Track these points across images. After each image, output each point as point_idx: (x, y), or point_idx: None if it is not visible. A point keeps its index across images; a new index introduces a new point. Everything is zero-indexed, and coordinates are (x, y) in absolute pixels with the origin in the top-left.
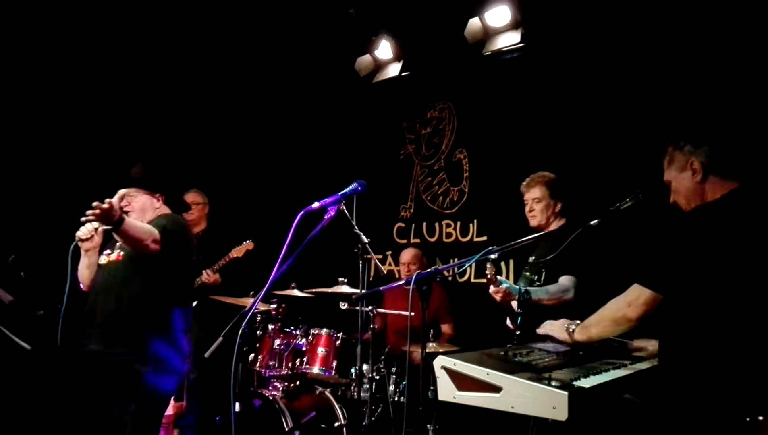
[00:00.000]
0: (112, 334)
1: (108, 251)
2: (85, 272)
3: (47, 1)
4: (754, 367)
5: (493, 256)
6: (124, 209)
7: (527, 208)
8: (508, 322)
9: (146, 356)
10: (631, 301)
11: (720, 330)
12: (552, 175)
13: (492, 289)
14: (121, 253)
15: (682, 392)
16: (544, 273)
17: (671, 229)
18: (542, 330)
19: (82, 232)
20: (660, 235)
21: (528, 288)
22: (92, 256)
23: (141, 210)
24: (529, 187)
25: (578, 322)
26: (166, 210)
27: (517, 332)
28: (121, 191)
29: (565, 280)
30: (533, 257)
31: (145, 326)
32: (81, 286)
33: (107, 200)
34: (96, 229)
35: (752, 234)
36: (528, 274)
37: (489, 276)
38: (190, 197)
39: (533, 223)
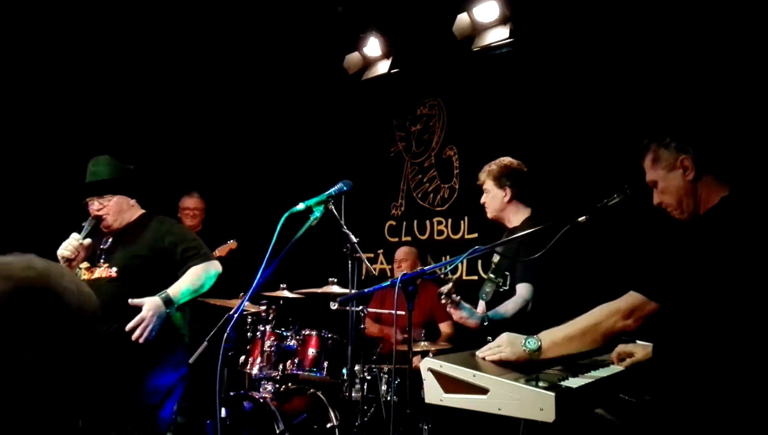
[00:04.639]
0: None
1: (90, 265)
2: None
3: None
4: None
5: (453, 276)
6: (101, 215)
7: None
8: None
9: (149, 352)
10: (633, 312)
11: (712, 341)
12: (503, 162)
13: (451, 310)
14: (114, 269)
15: (663, 399)
16: (508, 276)
17: (675, 240)
18: (480, 353)
19: (68, 251)
20: (662, 244)
21: (488, 313)
22: (76, 270)
23: (119, 211)
24: (479, 180)
25: (535, 337)
26: (139, 208)
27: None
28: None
29: (522, 290)
30: (497, 257)
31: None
32: None
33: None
34: (81, 243)
35: (752, 242)
36: (493, 276)
37: (444, 292)
38: (193, 203)
39: (487, 215)
